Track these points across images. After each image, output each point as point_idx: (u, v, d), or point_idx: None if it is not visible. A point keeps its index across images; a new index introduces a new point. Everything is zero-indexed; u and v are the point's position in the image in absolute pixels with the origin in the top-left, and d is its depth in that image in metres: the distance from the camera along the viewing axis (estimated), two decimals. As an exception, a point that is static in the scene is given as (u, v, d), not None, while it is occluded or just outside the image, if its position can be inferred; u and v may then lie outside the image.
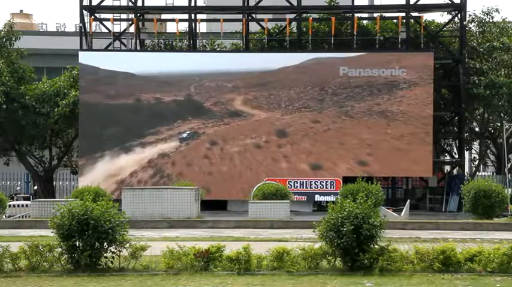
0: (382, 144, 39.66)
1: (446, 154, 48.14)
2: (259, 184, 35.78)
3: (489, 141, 48.08)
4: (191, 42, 43.11)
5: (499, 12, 44.60)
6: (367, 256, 18.13)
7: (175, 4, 44.85)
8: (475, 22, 44.45)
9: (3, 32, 44.37)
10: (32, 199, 39.11)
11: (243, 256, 18.14)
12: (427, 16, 48.44)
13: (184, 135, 40.41)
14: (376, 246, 18.35)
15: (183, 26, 44.71)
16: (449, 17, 43.78)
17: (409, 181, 44.09)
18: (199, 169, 40.06)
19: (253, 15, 43.69)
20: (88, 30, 42.62)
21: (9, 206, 35.11)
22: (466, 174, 43.80)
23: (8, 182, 49.45)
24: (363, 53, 40.95)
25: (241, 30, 43.29)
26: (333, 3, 43.76)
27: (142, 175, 40.25)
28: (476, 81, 41.66)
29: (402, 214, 32.99)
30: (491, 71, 42.42)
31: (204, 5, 55.68)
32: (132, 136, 40.48)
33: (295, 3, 41.92)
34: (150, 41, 45.94)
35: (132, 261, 18.55)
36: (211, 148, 40.26)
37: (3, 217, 32.77)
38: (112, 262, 18.60)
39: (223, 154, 40.10)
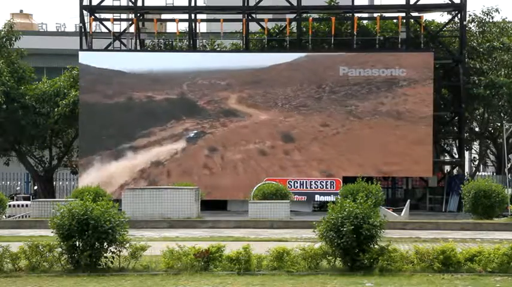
0: (382, 144, 39.62)
1: (446, 154, 48.14)
2: (259, 184, 35.79)
3: (489, 141, 48.08)
4: (191, 42, 43.11)
5: (499, 12, 44.69)
6: (367, 256, 18.13)
7: (175, 4, 44.84)
8: (475, 22, 44.46)
9: (3, 32, 44.37)
10: (32, 199, 39.11)
11: (243, 256, 18.14)
12: (427, 16, 48.52)
13: (192, 134, 40.31)
14: (376, 246, 18.35)
15: (183, 26, 44.77)
16: (449, 17, 43.80)
17: (409, 181, 44.08)
18: (199, 176, 40.03)
19: (253, 15, 43.68)
20: (88, 30, 42.62)
21: (9, 206, 35.12)
22: (466, 174, 43.81)
23: (8, 182, 49.46)
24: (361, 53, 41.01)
25: (241, 30, 43.29)
26: (333, 3, 43.75)
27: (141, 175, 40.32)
28: (476, 81, 41.66)
29: (402, 214, 32.99)
30: (491, 71, 42.42)
31: (204, 5, 55.68)
32: (133, 135, 40.46)
33: (295, 3, 41.91)
34: (150, 41, 45.93)
35: (132, 261, 18.55)
36: (212, 156, 40.05)
37: (3, 217, 32.78)
38: (112, 262, 18.60)
39: (224, 163, 39.90)
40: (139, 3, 43.36)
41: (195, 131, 40.34)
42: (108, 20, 44.12)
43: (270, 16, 46.54)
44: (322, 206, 39.02)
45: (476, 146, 49.75)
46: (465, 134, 43.81)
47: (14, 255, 18.43)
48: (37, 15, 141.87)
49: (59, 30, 62.23)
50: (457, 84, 42.24)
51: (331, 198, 33.18)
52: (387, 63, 40.12)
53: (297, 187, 39.25)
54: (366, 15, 47.89)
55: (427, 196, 42.34)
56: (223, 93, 40.60)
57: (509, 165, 39.33)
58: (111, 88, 40.92)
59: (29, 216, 33.77)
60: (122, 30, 44.81)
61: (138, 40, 43.51)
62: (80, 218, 18.34)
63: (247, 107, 40.49)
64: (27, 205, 36.37)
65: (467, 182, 33.31)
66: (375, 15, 44.94)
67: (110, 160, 40.22)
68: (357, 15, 42.96)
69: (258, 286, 16.68)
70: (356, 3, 43.88)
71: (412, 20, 42.31)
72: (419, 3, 42.17)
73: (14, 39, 44.40)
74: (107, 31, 44.24)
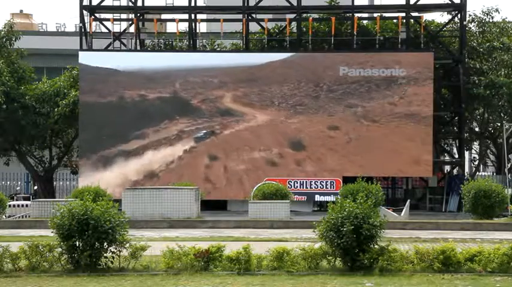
0: (382, 144, 39.62)
1: (446, 154, 48.14)
2: (259, 184, 35.78)
3: (489, 142, 48.08)
4: (191, 42, 43.12)
5: (499, 12, 44.70)
6: (367, 256, 18.13)
7: (175, 4, 44.88)
8: (475, 22, 44.46)
9: (3, 32, 44.37)
10: (32, 199, 39.11)
11: (243, 256, 18.14)
12: (427, 16, 48.61)
13: (200, 134, 40.27)
14: (376, 246, 18.35)
15: (183, 26, 44.78)
16: (449, 17, 43.81)
17: (409, 181, 44.08)
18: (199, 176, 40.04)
19: (253, 15, 43.68)
20: (88, 30, 42.62)
21: (9, 206, 35.12)
22: (466, 174, 43.81)
23: (8, 182, 49.47)
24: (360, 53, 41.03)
25: (241, 30, 43.29)
26: (333, 3, 43.74)
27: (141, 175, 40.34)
28: (476, 81, 41.65)
29: (402, 214, 32.99)
30: (491, 71, 42.42)
31: (204, 5, 55.70)
32: (132, 135, 40.47)
33: (295, 3, 41.91)
34: (150, 41, 45.93)
35: (132, 261, 18.55)
36: (211, 165, 40.04)
37: (3, 217, 32.78)
38: (112, 262, 18.60)
39: (228, 174, 39.93)
40: (139, 3, 43.37)
41: (204, 131, 40.29)
42: (108, 20, 44.14)
43: (270, 16, 46.53)
44: (322, 206, 39.07)
45: (476, 146, 49.75)
46: (465, 134, 43.81)
47: (14, 255, 18.43)
48: (37, 15, 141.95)
49: (59, 30, 62.25)
50: (457, 84, 42.24)
51: (331, 198, 33.18)
52: (387, 63, 40.11)
53: (297, 187, 39.25)
54: (366, 15, 47.91)
55: (427, 196, 42.33)
56: (217, 91, 40.64)
57: (509, 165, 39.32)
58: (111, 88, 40.91)
59: (29, 216, 33.77)
60: (122, 30, 44.83)
61: (138, 40, 43.52)
62: (80, 218, 18.34)
63: (243, 106, 40.46)
64: (27, 205, 36.38)
65: (467, 182, 33.30)
66: (375, 15, 44.95)
67: (110, 159, 40.23)
68: (357, 15, 42.97)
69: (258, 286, 16.67)
70: (356, 3, 43.90)
71: (412, 20, 42.32)
72: (419, 3, 42.18)
73: (14, 39, 44.41)
74: (107, 31, 44.25)
